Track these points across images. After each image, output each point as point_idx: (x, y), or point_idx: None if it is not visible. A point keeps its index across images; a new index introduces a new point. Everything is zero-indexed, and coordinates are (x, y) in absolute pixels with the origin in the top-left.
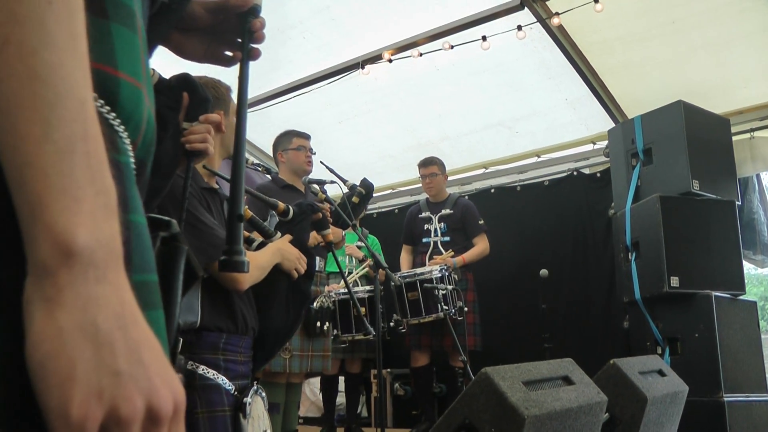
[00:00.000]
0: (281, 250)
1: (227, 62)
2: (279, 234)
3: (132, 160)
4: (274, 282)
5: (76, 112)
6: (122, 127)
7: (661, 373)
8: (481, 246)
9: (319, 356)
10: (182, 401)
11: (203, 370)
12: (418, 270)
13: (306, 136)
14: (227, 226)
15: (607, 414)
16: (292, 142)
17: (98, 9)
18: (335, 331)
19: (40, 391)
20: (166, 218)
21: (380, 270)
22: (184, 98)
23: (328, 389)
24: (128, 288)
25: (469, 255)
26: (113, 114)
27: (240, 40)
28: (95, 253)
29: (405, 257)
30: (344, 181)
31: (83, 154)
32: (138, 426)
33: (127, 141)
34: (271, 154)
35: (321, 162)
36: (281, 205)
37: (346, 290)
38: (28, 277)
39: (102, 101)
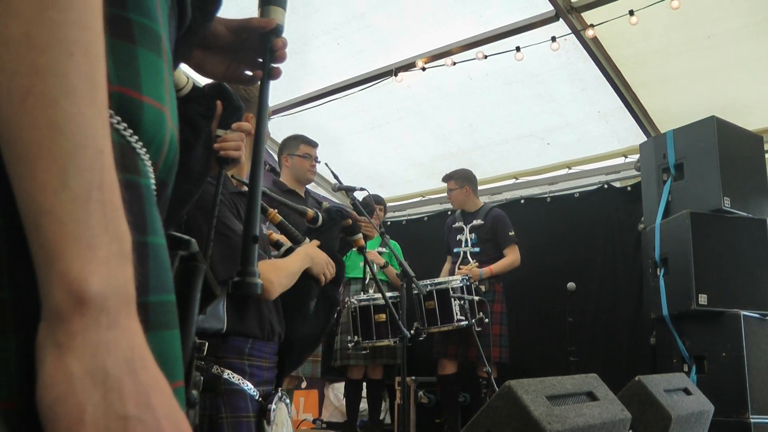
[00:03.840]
0: (310, 255)
1: (247, 81)
2: (307, 240)
3: (152, 181)
4: (305, 289)
5: (94, 161)
6: (144, 149)
7: (686, 391)
8: (510, 257)
9: (309, 360)
10: None
11: (228, 374)
12: (436, 279)
13: (313, 144)
14: (242, 247)
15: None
16: (299, 148)
17: (125, 34)
18: (356, 337)
19: None
20: (186, 237)
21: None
22: (218, 107)
23: (352, 395)
24: (139, 332)
25: (497, 266)
26: (136, 137)
27: (261, 60)
28: (108, 299)
29: (446, 267)
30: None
31: (98, 202)
32: None
33: (149, 163)
34: None
35: (326, 164)
36: (310, 212)
37: (373, 295)
38: (41, 321)
39: (125, 124)
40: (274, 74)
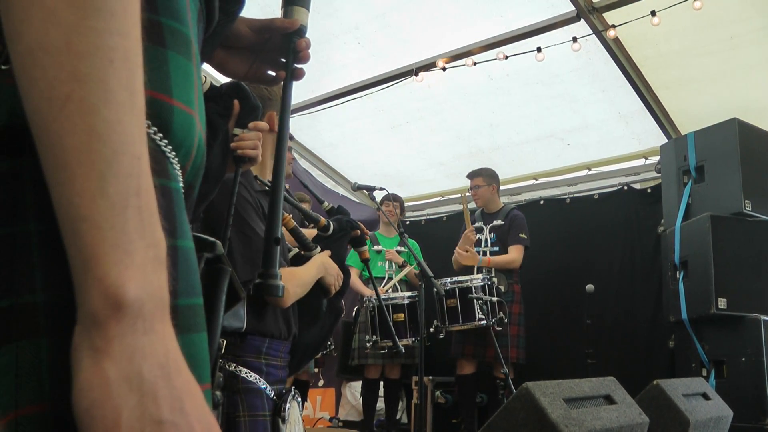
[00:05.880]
0: (324, 265)
1: (270, 82)
2: (318, 248)
3: (181, 185)
4: (316, 298)
5: (131, 167)
6: (173, 153)
7: (705, 396)
8: (512, 255)
9: None
10: None
11: (246, 373)
12: (459, 278)
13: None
14: (263, 249)
15: None
16: None
17: (157, 38)
18: (374, 336)
19: None
20: (211, 239)
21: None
22: (235, 106)
23: (369, 394)
24: (173, 337)
25: (496, 259)
26: (165, 141)
27: (284, 60)
28: (144, 305)
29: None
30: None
31: (136, 208)
32: None
33: (178, 167)
34: (321, 156)
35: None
36: (322, 220)
37: (390, 294)
38: (77, 325)
39: (155, 128)
40: (297, 75)
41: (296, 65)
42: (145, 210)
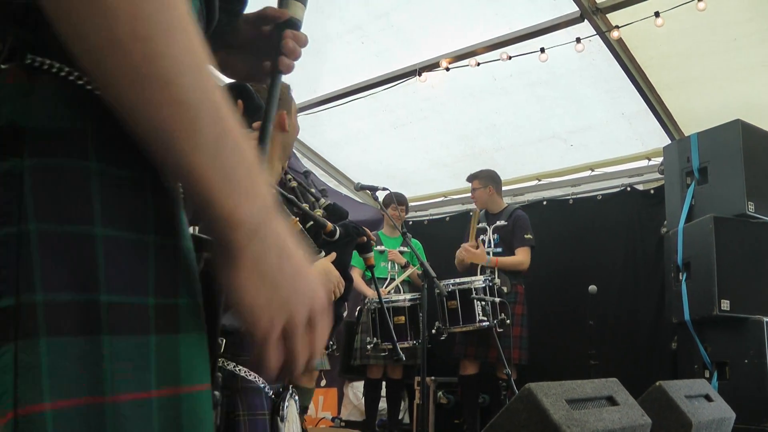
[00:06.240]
0: (325, 271)
1: (264, 80)
2: (323, 253)
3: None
4: None
5: (215, 115)
6: None
7: (708, 398)
8: (519, 257)
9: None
10: (326, 305)
11: (245, 372)
12: (460, 279)
13: None
14: None
15: None
16: None
17: None
18: (375, 339)
19: (239, 320)
20: (211, 239)
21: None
22: (239, 105)
23: (371, 394)
24: (283, 228)
25: (503, 260)
26: None
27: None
28: (254, 218)
29: None
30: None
31: (228, 148)
32: (303, 327)
33: None
34: (324, 156)
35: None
36: (329, 225)
37: (391, 297)
38: (216, 247)
39: None
40: (282, 66)
41: (285, 58)
42: (234, 144)
